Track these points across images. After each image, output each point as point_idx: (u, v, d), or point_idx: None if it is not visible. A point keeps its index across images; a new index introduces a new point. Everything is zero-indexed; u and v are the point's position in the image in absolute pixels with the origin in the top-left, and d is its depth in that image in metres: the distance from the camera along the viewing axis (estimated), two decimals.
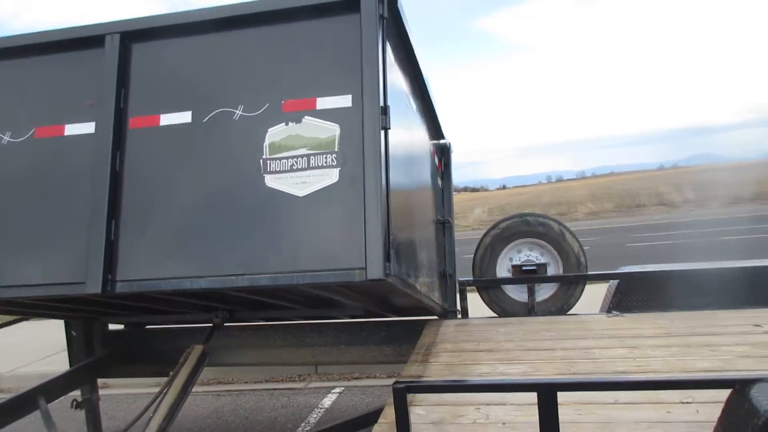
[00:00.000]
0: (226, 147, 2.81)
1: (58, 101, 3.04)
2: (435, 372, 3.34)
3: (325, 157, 2.69)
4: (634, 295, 4.08)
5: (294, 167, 2.71)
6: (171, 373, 3.46)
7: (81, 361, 4.60)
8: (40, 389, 4.06)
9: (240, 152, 2.78)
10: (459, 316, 4.39)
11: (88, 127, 2.97)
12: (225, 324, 3.95)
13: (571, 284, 4.27)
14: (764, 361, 2.98)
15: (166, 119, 2.90)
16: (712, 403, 2.31)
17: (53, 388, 4.19)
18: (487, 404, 2.81)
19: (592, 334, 3.74)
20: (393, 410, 2.84)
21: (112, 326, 4.84)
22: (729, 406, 2.13)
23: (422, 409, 2.80)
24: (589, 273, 4.32)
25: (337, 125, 2.70)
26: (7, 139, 3.04)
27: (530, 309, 4.28)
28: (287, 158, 2.72)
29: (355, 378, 5.55)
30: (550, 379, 2.36)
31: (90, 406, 4.56)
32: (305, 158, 2.71)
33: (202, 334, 4.58)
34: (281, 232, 2.67)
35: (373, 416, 3.59)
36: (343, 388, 5.38)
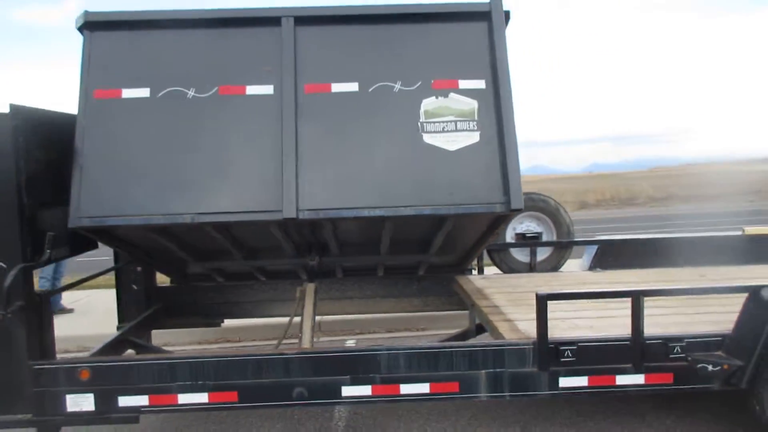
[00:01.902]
0: (389, 111, 3.68)
1: (237, 66, 3.71)
2: (502, 303, 4.36)
3: (468, 123, 3.67)
4: (609, 256, 5.43)
5: (445, 129, 3.66)
6: (295, 306, 4.20)
7: (132, 314, 5.00)
8: (129, 333, 4.51)
9: (401, 116, 3.67)
10: (474, 272, 5.45)
11: (267, 89, 3.68)
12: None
13: (563, 248, 5.55)
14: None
15: (337, 87, 3.71)
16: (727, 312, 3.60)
17: (133, 333, 4.61)
18: (567, 318, 3.88)
19: (594, 280, 5.00)
20: (504, 324, 3.83)
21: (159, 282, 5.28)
22: (748, 303, 3.43)
23: (522, 324, 3.82)
24: (577, 240, 5.63)
25: (475, 101, 3.70)
26: (192, 94, 3.64)
27: (532, 267, 5.47)
28: (439, 122, 3.66)
29: (358, 333, 6.35)
30: (639, 288, 3.50)
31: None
32: (453, 123, 3.67)
33: (245, 289, 5.25)
34: (438, 176, 3.60)
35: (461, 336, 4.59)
36: (355, 340, 6.18)
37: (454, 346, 3.51)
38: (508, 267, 5.53)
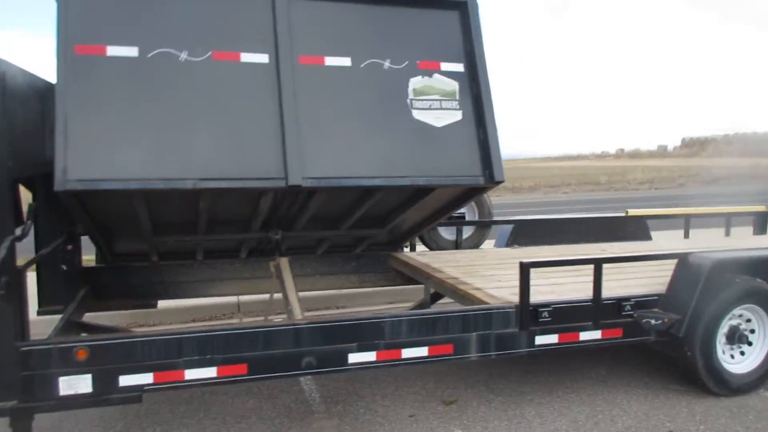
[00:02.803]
0: (380, 87, 3.84)
1: (230, 32, 3.63)
2: (456, 275, 4.67)
3: (451, 103, 3.95)
4: (523, 235, 6.02)
5: (431, 107, 3.90)
6: (272, 280, 4.19)
7: (56, 297, 4.62)
8: (73, 313, 4.18)
9: (391, 92, 3.85)
10: (406, 250, 5.73)
11: (261, 58, 3.65)
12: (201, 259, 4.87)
13: (484, 228, 6.03)
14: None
15: (330, 61, 3.78)
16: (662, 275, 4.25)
17: (76, 316, 4.29)
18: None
19: (522, 255, 5.49)
20: (477, 292, 4.14)
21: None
22: (678, 267, 4.10)
23: (493, 291, 4.18)
24: (497, 219, 6.14)
25: (456, 82, 3.99)
26: (185, 57, 3.51)
27: (457, 245, 5.88)
28: (426, 100, 3.90)
29: (279, 312, 6.32)
30: (598, 256, 4.01)
31: None
32: (439, 101, 3.93)
33: (182, 268, 5.08)
34: (428, 149, 3.84)
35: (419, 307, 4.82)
36: (281, 319, 6.14)
37: (450, 312, 3.75)
38: (437, 244, 5.90)
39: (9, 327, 3.01)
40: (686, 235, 6.70)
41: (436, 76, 3.96)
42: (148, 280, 5.02)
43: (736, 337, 4.16)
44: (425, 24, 4.03)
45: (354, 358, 3.56)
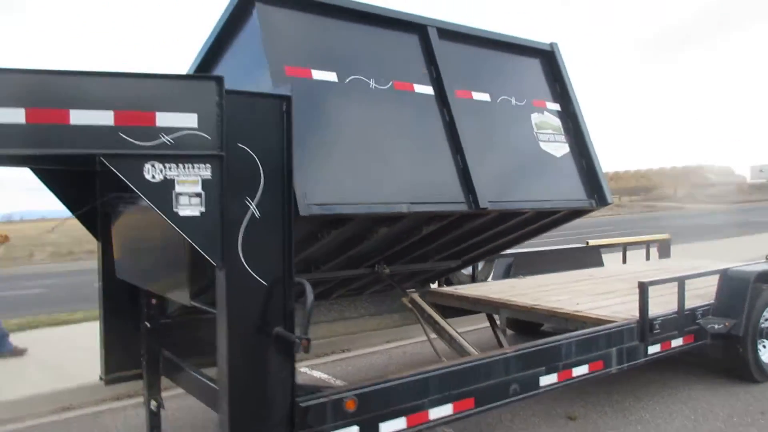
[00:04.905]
0: (512, 120, 4.20)
1: (398, 65, 3.71)
2: (530, 301, 4.95)
3: (560, 136, 4.41)
4: (521, 266, 6.52)
5: (550, 140, 4.33)
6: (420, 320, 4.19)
7: (126, 361, 4.06)
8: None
9: (521, 125, 4.22)
10: (433, 285, 5.85)
11: (428, 90, 3.77)
12: None
13: (492, 261, 6.40)
14: (620, 282, 5.79)
15: (476, 96, 4.04)
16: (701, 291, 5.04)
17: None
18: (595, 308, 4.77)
19: (538, 282, 5.99)
20: (586, 314, 4.48)
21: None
22: (721, 281, 4.90)
23: (597, 311, 4.58)
24: (501, 253, 6.53)
25: (558, 119, 4.46)
26: (374, 84, 3.49)
27: (474, 278, 6.16)
28: (545, 133, 4.31)
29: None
30: (684, 274, 4.63)
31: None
32: (552, 135, 4.37)
33: None
34: (554, 176, 4.26)
35: None
36: (306, 368, 5.76)
37: (599, 331, 4.04)
38: (457, 279, 6.12)
39: (291, 382, 2.68)
40: (624, 260, 7.76)
41: (546, 113, 4.39)
42: (213, 334, 4.50)
43: (763, 334, 5.05)
44: (529, 68, 4.48)
45: (544, 381, 3.69)
